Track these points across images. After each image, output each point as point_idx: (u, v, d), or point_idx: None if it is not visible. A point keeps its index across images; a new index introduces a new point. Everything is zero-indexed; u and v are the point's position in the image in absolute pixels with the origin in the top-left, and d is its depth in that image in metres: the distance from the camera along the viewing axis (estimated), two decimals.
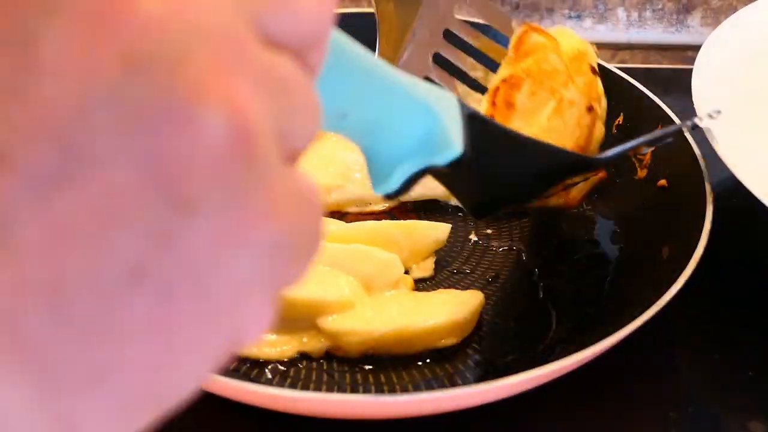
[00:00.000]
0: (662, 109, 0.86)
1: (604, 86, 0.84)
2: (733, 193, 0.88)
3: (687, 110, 0.84)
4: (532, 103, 0.72)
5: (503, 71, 0.74)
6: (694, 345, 0.77)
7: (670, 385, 0.73)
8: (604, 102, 0.78)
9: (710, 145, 0.78)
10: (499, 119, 0.72)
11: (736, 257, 0.85)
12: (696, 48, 0.91)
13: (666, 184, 0.83)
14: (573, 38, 0.77)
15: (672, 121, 0.84)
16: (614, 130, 0.90)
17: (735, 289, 0.81)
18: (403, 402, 0.60)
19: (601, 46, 1.00)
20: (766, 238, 0.87)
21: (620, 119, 0.90)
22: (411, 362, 0.70)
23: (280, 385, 0.66)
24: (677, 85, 1.06)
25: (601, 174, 0.76)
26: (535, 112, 0.72)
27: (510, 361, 0.70)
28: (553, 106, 0.72)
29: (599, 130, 0.76)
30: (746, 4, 0.97)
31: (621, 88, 0.90)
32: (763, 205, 0.73)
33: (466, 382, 0.67)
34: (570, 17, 1.21)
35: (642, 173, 0.86)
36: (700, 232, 0.71)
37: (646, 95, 0.88)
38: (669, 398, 0.72)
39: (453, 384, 0.67)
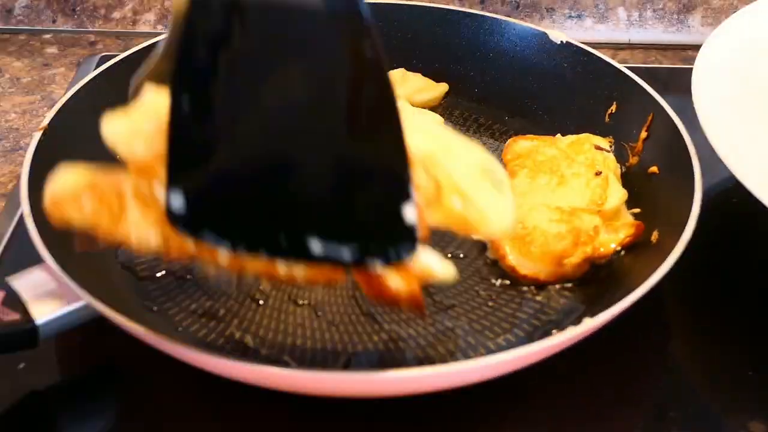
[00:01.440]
0: (655, 99, 0.87)
1: (598, 75, 0.92)
2: (733, 192, 0.88)
3: (686, 110, 0.84)
4: (532, 184, 0.82)
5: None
6: (694, 345, 0.77)
7: (670, 385, 0.73)
8: (616, 169, 0.85)
9: (710, 144, 0.78)
10: None
11: (737, 258, 0.85)
12: (696, 48, 0.92)
13: (657, 171, 0.84)
14: (568, 137, 0.88)
15: (663, 110, 0.85)
16: (607, 119, 0.92)
17: (736, 289, 0.81)
18: (398, 378, 0.61)
19: (601, 46, 1.00)
20: (767, 238, 0.88)
21: (613, 108, 0.92)
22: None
23: None
24: (677, 84, 1.07)
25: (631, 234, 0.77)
26: (538, 189, 0.82)
27: (502, 342, 0.72)
28: (557, 180, 0.83)
29: (615, 189, 0.83)
30: (747, 4, 0.98)
31: (613, 77, 0.92)
32: (763, 204, 0.74)
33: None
34: (570, 17, 1.22)
35: (633, 160, 0.87)
36: (688, 215, 0.72)
37: (639, 85, 0.89)
38: (669, 398, 0.72)
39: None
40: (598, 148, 0.86)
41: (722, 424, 0.71)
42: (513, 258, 0.75)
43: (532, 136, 0.88)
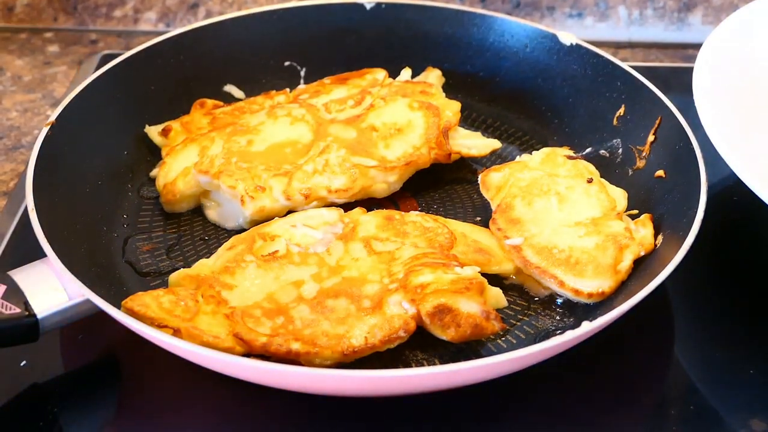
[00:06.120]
0: (663, 102, 0.87)
1: (607, 78, 0.92)
2: (735, 190, 0.88)
3: (688, 109, 0.84)
4: (534, 210, 0.82)
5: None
6: (696, 343, 0.77)
7: (672, 383, 0.74)
8: (595, 171, 0.87)
9: (711, 142, 0.78)
10: (514, 235, 0.79)
11: (739, 256, 0.85)
12: (697, 46, 0.92)
13: (663, 175, 0.84)
14: (534, 156, 0.89)
15: (672, 114, 0.85)
16: (615, 122, 0.91)
17: (738, 287, 0.82)
18: (407, 377, 0.62)
19: (601, 45, 1.00)
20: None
21: (621, 111, 0.91)
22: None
23: None
24: (678, 83, 1.06)
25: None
26: (544, 212, 0.82)
27: (507, 342, 0.73)
28: (557, 199, 0.83)
29: (614, 190, 0.84)
30: (747, 2, 0.98)
31: (623, 80, 0.92)
32: (764, 202, 0.74)
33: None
34: (571, 16, 1.22)
35: (641, 164, 0.87)
36: (692, 224, 0.73)
37: (648, 88, 0.89)
38: (671, 396, 0.72)
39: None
40: (570, 157, 0.87)
41: (724, 422, 0.71)
42: (572, 282, 0.75)
43: (497, 166, 0.87)
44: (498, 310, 0.73)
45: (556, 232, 0.79)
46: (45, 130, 0.80)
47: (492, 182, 0.86)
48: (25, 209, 0.78)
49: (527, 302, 0.77)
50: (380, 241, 0.77)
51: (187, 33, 0.96)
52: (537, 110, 0.99)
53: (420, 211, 0.86)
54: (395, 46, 1.01)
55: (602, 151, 0.92)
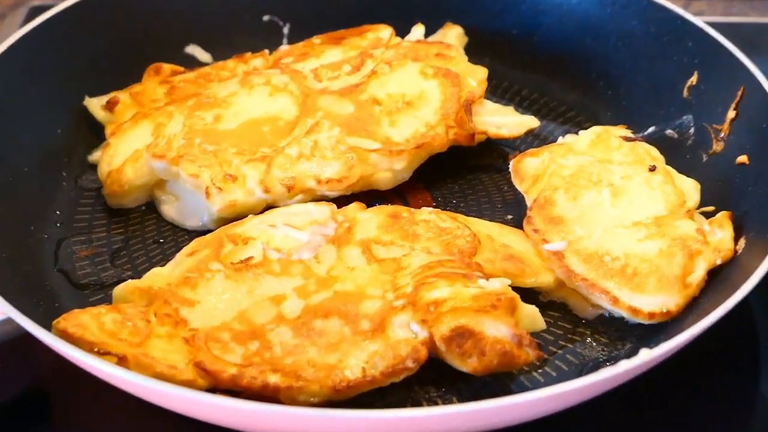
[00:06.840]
0: (747, 69, 0.86)
1: (675, 37, 0.92)
2: None
3: None
4: (580, 206, 0.82)
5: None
6: None
7: (758, 426, 0.74)
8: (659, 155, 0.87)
9: None
10: (555, 238, 0.79)
11: None
12: None
13: (746, 162, 0.83)
14: (581, 137, 0.89)
15: (758, 83, 0.83)
16: (686, 93, 0.91)
17: None
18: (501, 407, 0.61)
19: None
20: None
21: (694, 79, 0.91)
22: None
23: None
24: (767, 44, 1.07)
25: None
26: (593, 209, 0.81)
27: (545, 375, 0.73)
28: (609, 192, 0.82)
29: (684, 181, 0.83)
30: None
31: (695, 40, 0.91)
32: None
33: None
34: None
35: (718, 147, 0.87)
36: None
37: (728, 50, 0.88)
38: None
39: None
40: (628, 138, 0.87)
41: None
42: (628, 298, 0.75)
43: (534, 150, 0.87)
44: (533, 334, 0.72)
45: (609, 235, 0.78)
46: None
47: (527, 171, 0.86)
48: None
49: (571, 324, 0.77)
50: (383, 246, 0.77)
51: None
52: (585, 78, 0.99)
53: (435, 207, 0.86)
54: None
55: (669, 131, 0.92)
